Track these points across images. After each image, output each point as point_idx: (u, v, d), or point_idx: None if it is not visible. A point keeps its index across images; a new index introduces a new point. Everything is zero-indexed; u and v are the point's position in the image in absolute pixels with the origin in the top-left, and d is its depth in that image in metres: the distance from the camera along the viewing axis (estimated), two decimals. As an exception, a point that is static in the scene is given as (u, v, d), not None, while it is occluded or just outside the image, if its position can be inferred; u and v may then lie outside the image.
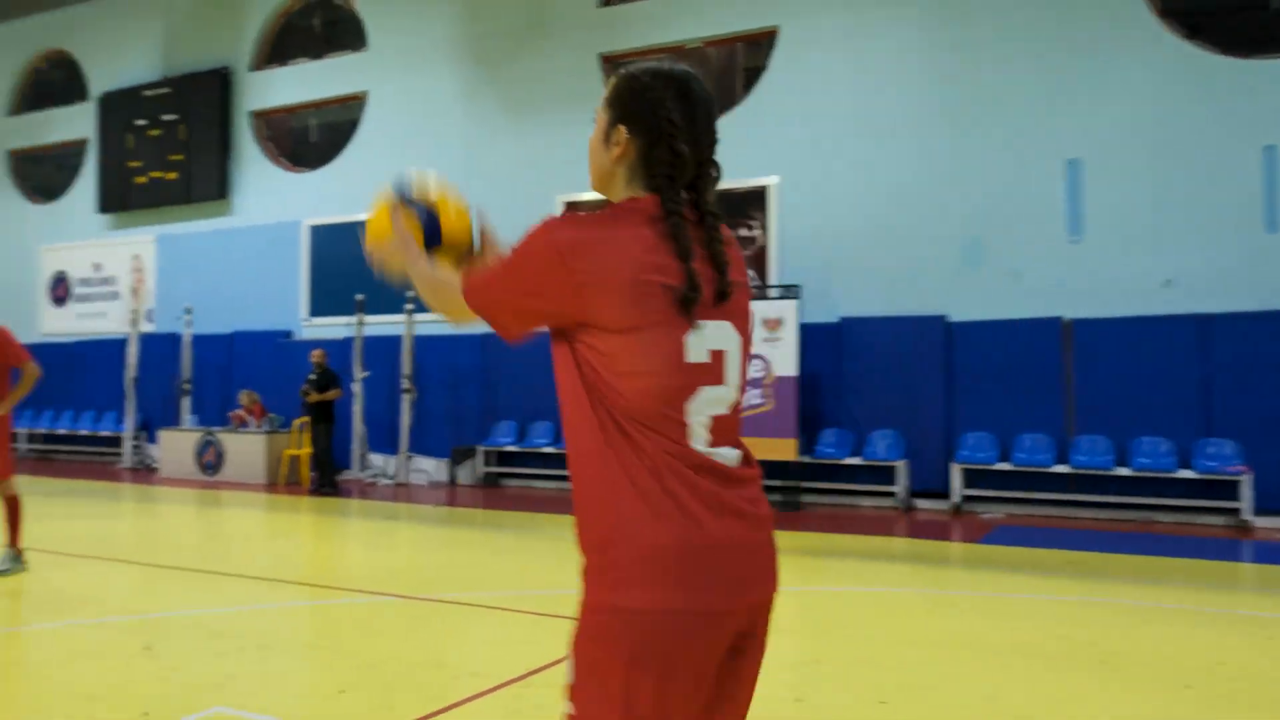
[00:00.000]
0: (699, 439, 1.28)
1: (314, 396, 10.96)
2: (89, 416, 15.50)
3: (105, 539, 7.66)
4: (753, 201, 10.83)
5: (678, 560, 1.23)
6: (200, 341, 14.02)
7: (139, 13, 15.56)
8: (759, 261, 10.80)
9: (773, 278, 10.66)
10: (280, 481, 11.75)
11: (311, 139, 14.69)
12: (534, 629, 4.75)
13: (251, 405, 12.50)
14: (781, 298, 9.79)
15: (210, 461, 12.30)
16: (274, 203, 14.25)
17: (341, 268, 13.33)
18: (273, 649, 4.32)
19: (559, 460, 11.54)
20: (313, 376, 11.06)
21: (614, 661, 1.22)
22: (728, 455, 1.31)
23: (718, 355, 1.31)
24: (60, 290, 16.30)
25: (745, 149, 10.61)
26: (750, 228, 10.82)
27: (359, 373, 12.10)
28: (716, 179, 1.40)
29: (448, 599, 5.32)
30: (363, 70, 13.69)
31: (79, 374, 15.63)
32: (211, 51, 14.90)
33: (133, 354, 14.06)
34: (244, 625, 4.81)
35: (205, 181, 14.66)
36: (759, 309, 9.57)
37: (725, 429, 1.32)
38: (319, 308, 13.59)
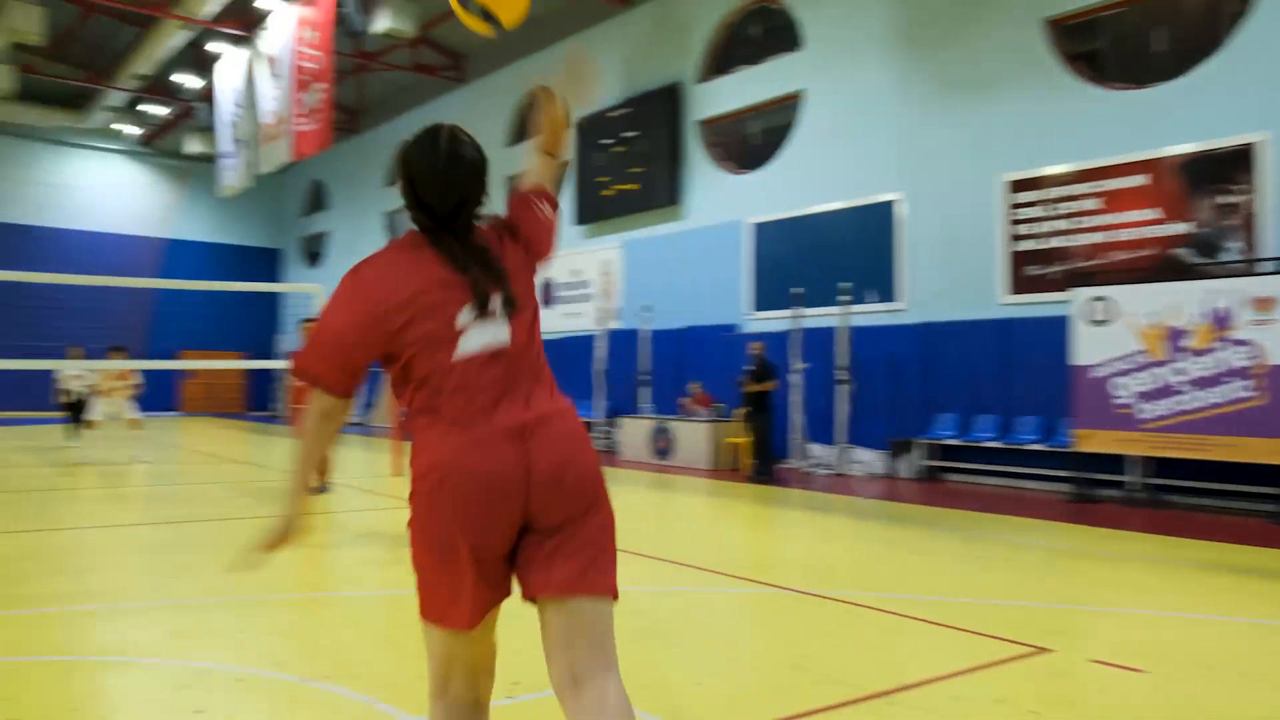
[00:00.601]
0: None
1: (751, 387, 11.97)
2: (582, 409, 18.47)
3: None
4: (1235, 162, 9.66)
5: None
6: (657, 336, 16.02)
7: (606, 46, 18.10)
8: (1245, 230, 9.60)
9: (1265, 249, 9.41)
10: (722, 468, 12.95)
11: (752, 141, 15.94)
12: (919, 638, 4.43)
13: (699, 395, 14.00)
14: (1275, 272, 8.64)
15: (663, 447, 14.01)
16: (720, 204, 15.75)
17: (782, 263, 14.37)
18: (645, 634, 4.40)
19: (1007, 455, 11.31)
20: (751, 368, 12.07)
21: None
22: None
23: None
24: (547, 294, 19.58)
25: (1224, 103, 9.50)
26: (1233, 192, 9.66)
27: (797, 364, 12.96)
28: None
29: (839, 597, 5.22)
30: (799, 70, 14.58)
31: (561, 365, 18.74)
32: (664, 70, 16.88)
33: (601, 348, 16.51)
34: (629, 606, 5.62)
35: (660, 190, 16.66)
36: (1246, 286, 8.58)
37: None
38: (761, 302, 14.78)
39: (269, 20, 18.83)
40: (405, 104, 24.41)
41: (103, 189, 27.88)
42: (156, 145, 27.92)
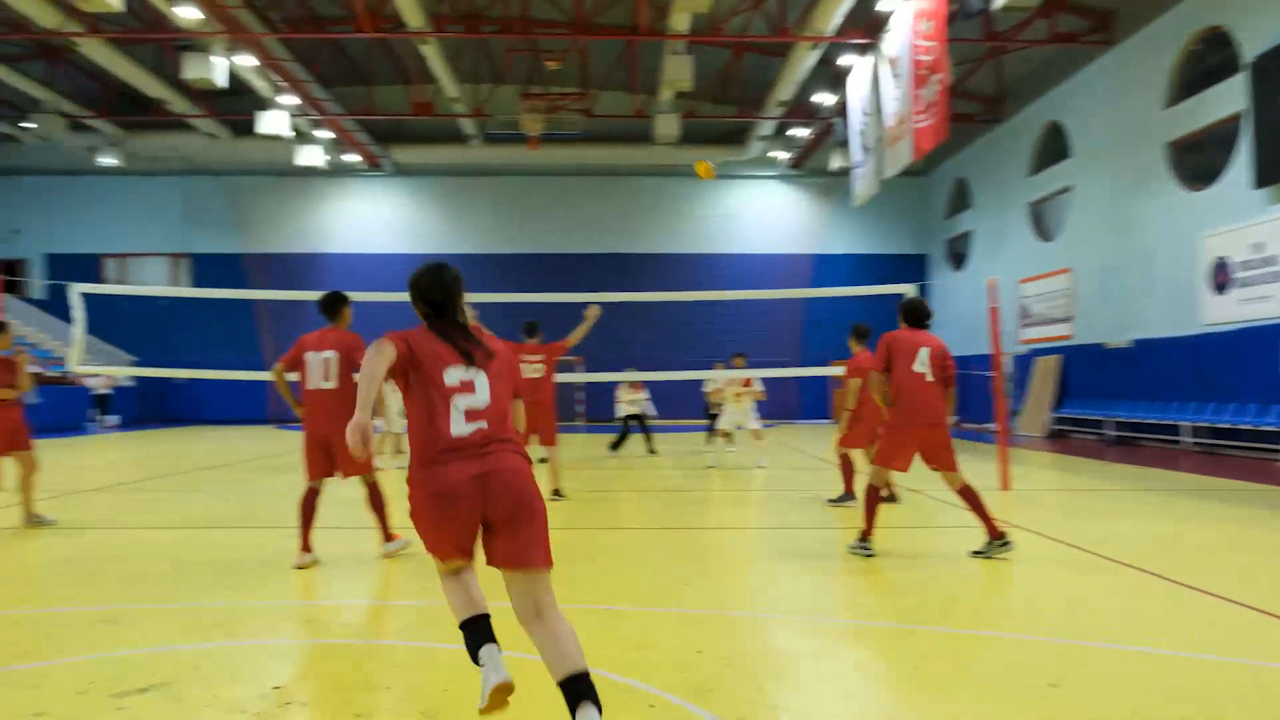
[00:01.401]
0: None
1: None
2: (1251, 409, 15.41)
3: (1140, 544, 7.27)
4: None
5: None
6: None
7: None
8: None
9: None
10: None
11: None
12: None
13: None
14: None
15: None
16: None
17: None
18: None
19: None
20: None
21: None
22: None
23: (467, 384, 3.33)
24: (1221, 277, 16.62)
25: None
26: None
27: None
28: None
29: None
30: None
31: (1237, 365, 15.70)
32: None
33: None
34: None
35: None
36: None
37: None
38: None
39: (890, 21, 19.41)
40: (1048, 81, 23.07)
41: (758, 214, 31.66)
42: (804, 166, 30.72)
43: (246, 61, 21.66)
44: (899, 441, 6.64)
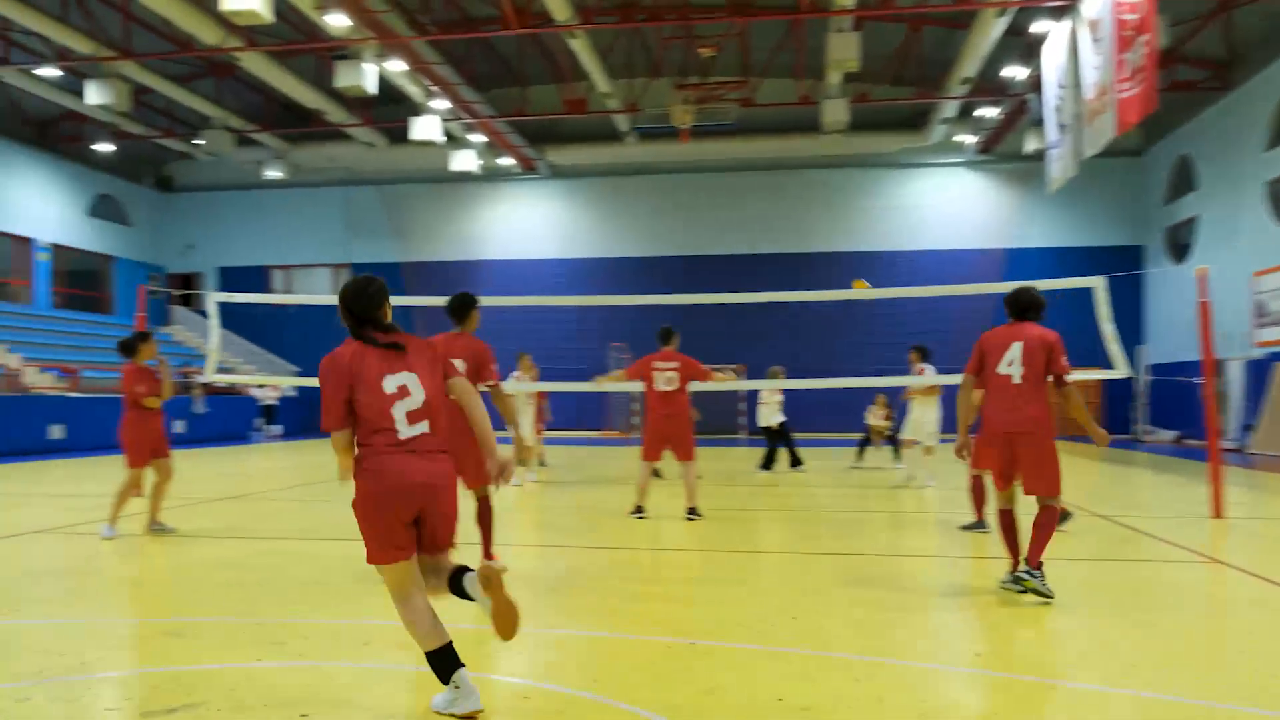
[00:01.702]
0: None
1: None
2: None
3: None
4: None
5: None
6: None
7: None
8: None
9: None
10: None
11: None
12: None
13: None
14: None
15: None
16: None
17: None
18: None
19: None
20: None
21: None
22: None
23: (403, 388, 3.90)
24: None
25: None
26: None
27: None
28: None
29: None
30: None
31: None
32: None
33: None
34: None
35: None
36: None
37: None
38: None
39: (1088, -21, 18.12)
40: (1285, 37, 20.95)
41: (942, 205, 30.31)
42: (994, 150, 29.21)
43: (396, 67, 22.59)
44: (982, 456, 6.24)
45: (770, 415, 15.62)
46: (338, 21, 19.76)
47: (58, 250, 29.29)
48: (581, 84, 26.09)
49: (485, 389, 6.69)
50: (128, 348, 8.80)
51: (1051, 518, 5.94)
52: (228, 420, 27.03)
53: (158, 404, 8.72)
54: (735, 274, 28.86)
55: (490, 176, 31.70)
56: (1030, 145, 26.35)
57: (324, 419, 3.92)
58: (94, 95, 22.76)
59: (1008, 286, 14.95)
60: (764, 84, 26.05)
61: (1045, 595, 5.73)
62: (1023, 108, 25.67)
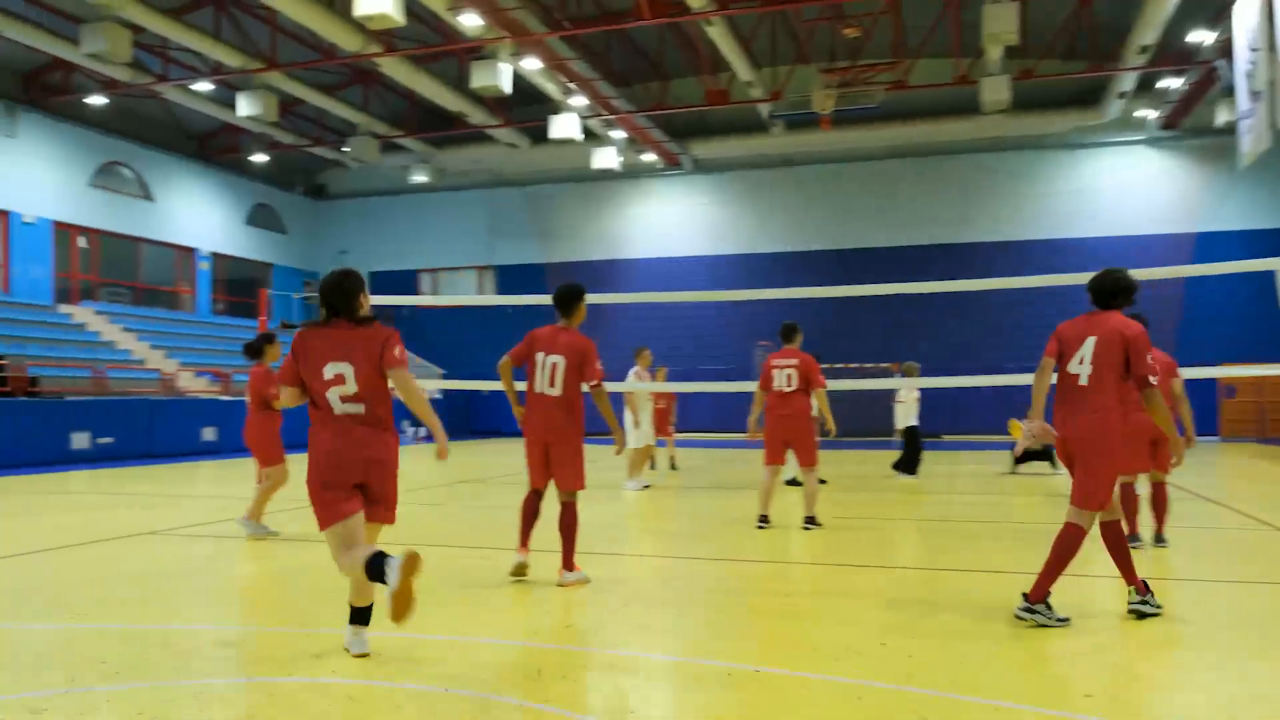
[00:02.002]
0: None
1: None
2: None
3: None
4: None
5: None
6: None
7: None
8: None
9: None
10: None
11: None
12: None
13: None
14: None
15: None
16: None
17: None
18: None
19: None
20: None
21: None
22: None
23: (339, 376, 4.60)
24: None
25: None
26: None
27: None
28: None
29: None
30: None
31: None
32: None
33: None
34: None
35: None
36: None
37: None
38: None
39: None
40: None
41: (1121, 187, 28.36)
42: (1180, 125, 27.14)
43: (532, 65, 22.77)
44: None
45: (907, 416, 14.80)
46: (470, 21, 20.05)
47: (217, 258, 31.04)
48: (724, 75, 25.70)
49: (587, 389, 6.59)
50: (254, 350, 8.99)
51: (1067, 536, 5.33)
52: (376, 423, 27.89)
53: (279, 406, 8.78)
54: (893, 267, 27.82)
55: (633, 173, 31.70)
56: (1221, 118, 24.34)
57: (279, 375, 4.91)
58: (244, 107, 23.93)
59: (1187, 271, 13.68)
60: (917, 65, 24.96)
61: (1053, 623, 5.23)
62: (1211, 76, 23.73)
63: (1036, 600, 5.24)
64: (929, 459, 15.16)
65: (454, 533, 9.53)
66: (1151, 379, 5.25)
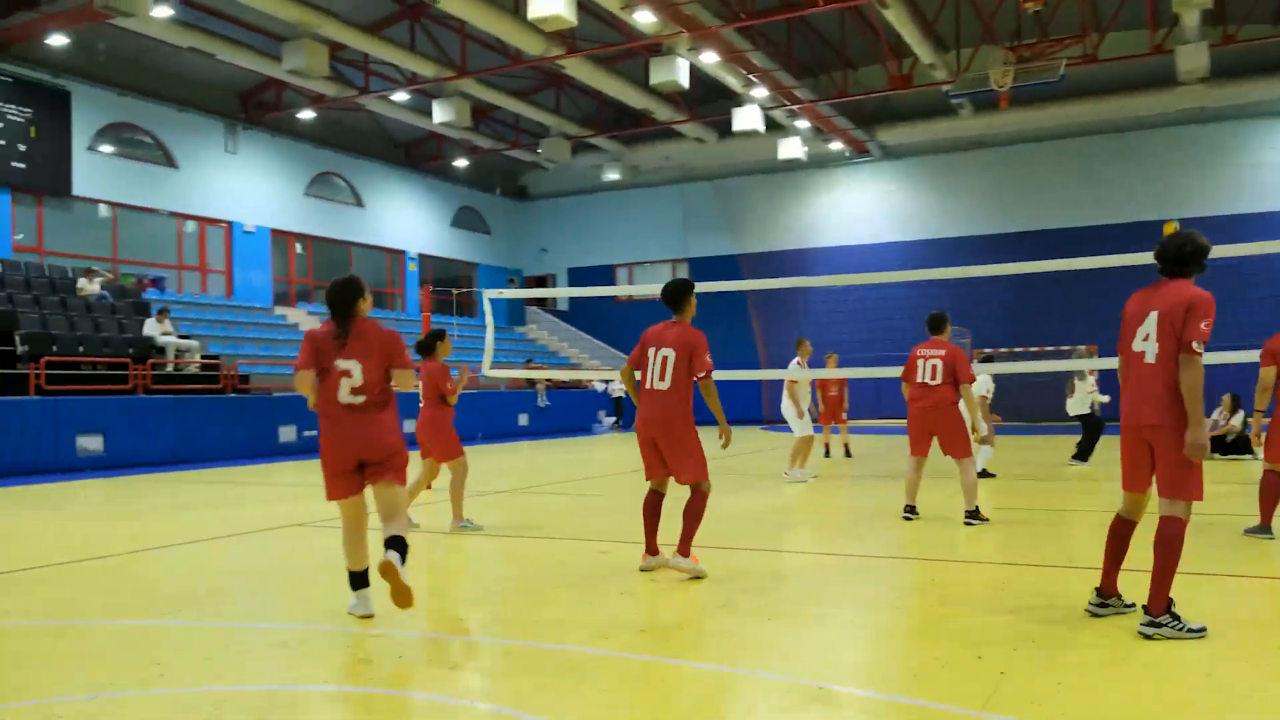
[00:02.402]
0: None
1: None
2: None
3: None
4: None
5: None
6: None
7: None
8: None
9: None
10: None
11: None
12: None
13: None
14: None
15: None
16: None
17: None
18: None
19: None
20: None
21: None
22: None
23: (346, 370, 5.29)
24: None
25: None
26: None
27: None
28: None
29: None
30: None
31: None
32: None
33: None
34: None
35: None
36: None
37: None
38: None
39: None
40: None
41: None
42: None
43: (710, 59, 22.76)
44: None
45: (1082, 402, 13.77)
46: (645, 18, 20.29)
47: (424, 260, 32.84)
48: (908, 60, 24.91)
49: (697, 380, 6.56)
50: (426, 347, 8.94)
51: (1168, 533, 4.77)
52: (569, 413, 28.74)
53: (452, 400, 8.89)
54: (1088, 248, 26.08)
55: (820, 162, 31.44)
56: None
57: (297, 360, 5.45)
58: (440, 114, 25.21)
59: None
60: (1107, 38, 23.27)
61: (1184, 635, 4.70)
62: None
63: (1160, 612, 4.74)
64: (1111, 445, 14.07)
65: (591, 527, 9.35)
66: (1196, 345, 4.69)
